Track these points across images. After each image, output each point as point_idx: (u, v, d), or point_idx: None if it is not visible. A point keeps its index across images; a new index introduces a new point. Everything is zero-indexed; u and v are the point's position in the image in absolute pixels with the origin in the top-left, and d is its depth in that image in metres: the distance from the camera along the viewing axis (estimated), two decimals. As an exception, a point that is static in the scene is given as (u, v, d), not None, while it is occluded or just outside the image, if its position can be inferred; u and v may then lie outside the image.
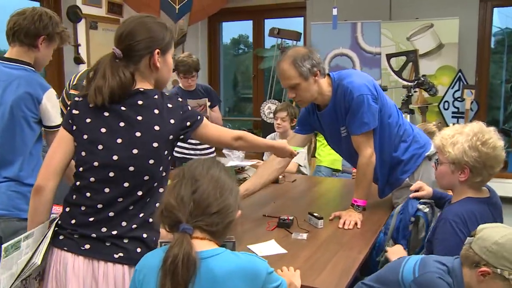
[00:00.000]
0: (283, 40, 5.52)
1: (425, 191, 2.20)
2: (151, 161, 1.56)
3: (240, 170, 3.11)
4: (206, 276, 1.21)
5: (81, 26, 4.78)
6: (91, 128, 1.57)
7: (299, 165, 3.87)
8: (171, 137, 1.59)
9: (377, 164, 2.44)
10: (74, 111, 1.61)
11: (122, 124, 1.55)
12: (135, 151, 1.54)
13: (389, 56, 5.01)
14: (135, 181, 1.55)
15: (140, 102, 1.57)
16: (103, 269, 1.52)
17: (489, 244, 1.44)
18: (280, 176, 3.26)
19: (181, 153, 3.88)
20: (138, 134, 1.54)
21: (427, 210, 2.12)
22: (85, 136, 1.57)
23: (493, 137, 1.82)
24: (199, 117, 1.67)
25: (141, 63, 1.61)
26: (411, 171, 2.52)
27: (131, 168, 1.54)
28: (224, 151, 3.99)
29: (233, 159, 3.55)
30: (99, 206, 1.54)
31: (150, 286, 1.24)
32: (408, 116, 4.25)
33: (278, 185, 3.16)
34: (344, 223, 2.27)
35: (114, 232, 1.53)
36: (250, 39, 6.69)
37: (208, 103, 3.88)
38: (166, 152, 1.60)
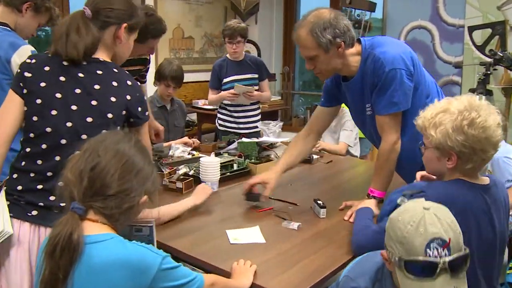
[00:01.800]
0: (357, 10, 5.06)
1: None
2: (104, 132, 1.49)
3: (268, 147, 2.88)
4: (85, 264, 1.06)
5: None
6: (45, 92, 1.53)
7: (349, 145, 3.54)
8: (124, 112, 1.55)
9: (410, 151, 2.09)
10: (27, 74, 1.56)
11: (78, 91, 1.53)
12: (89, 119, 1.52)
13: (471, 29, 4.37)
14: None
15: (99, 72, 1.55)
16: None
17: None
18: (315, 156, 3.00)
19: (223, 126, 3.74)
20: (94, 102, 1.52)
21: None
22: (38, 101, 1.53)
23: (482, 115, 1.42)
24: (146, 113, 1.64)
25: (107, 31, 1.60)
26: None
27: (84, 137, 1.51)
28: (260, 125, 3.79)
29: (268, 134, 3.34)
30: (49, 174, 1.52)
31: (38, 268, 1.12)
32: (483, 97, 3.66)
33: (309, 165, 2.88)
34: (351, 215, 1.99)
35: (63, 204, 1.45)
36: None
37: (256, 75, 3.69)
38: (118, 128, 1.56)
